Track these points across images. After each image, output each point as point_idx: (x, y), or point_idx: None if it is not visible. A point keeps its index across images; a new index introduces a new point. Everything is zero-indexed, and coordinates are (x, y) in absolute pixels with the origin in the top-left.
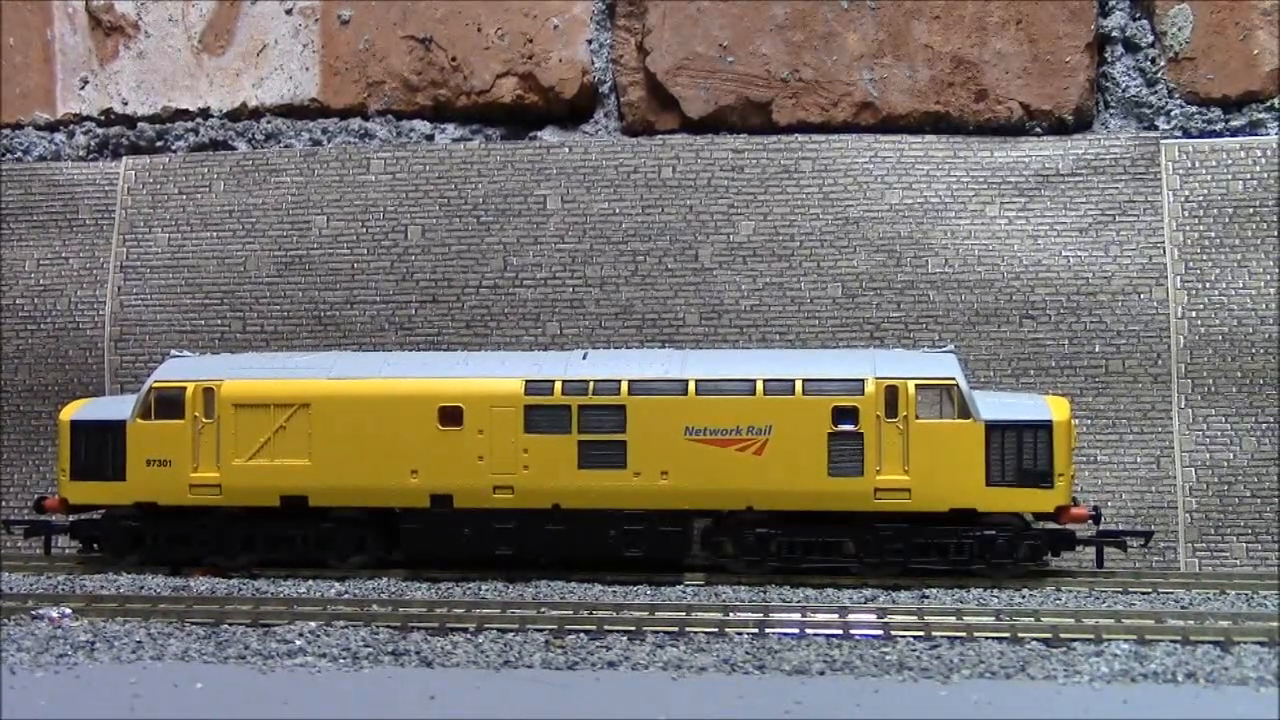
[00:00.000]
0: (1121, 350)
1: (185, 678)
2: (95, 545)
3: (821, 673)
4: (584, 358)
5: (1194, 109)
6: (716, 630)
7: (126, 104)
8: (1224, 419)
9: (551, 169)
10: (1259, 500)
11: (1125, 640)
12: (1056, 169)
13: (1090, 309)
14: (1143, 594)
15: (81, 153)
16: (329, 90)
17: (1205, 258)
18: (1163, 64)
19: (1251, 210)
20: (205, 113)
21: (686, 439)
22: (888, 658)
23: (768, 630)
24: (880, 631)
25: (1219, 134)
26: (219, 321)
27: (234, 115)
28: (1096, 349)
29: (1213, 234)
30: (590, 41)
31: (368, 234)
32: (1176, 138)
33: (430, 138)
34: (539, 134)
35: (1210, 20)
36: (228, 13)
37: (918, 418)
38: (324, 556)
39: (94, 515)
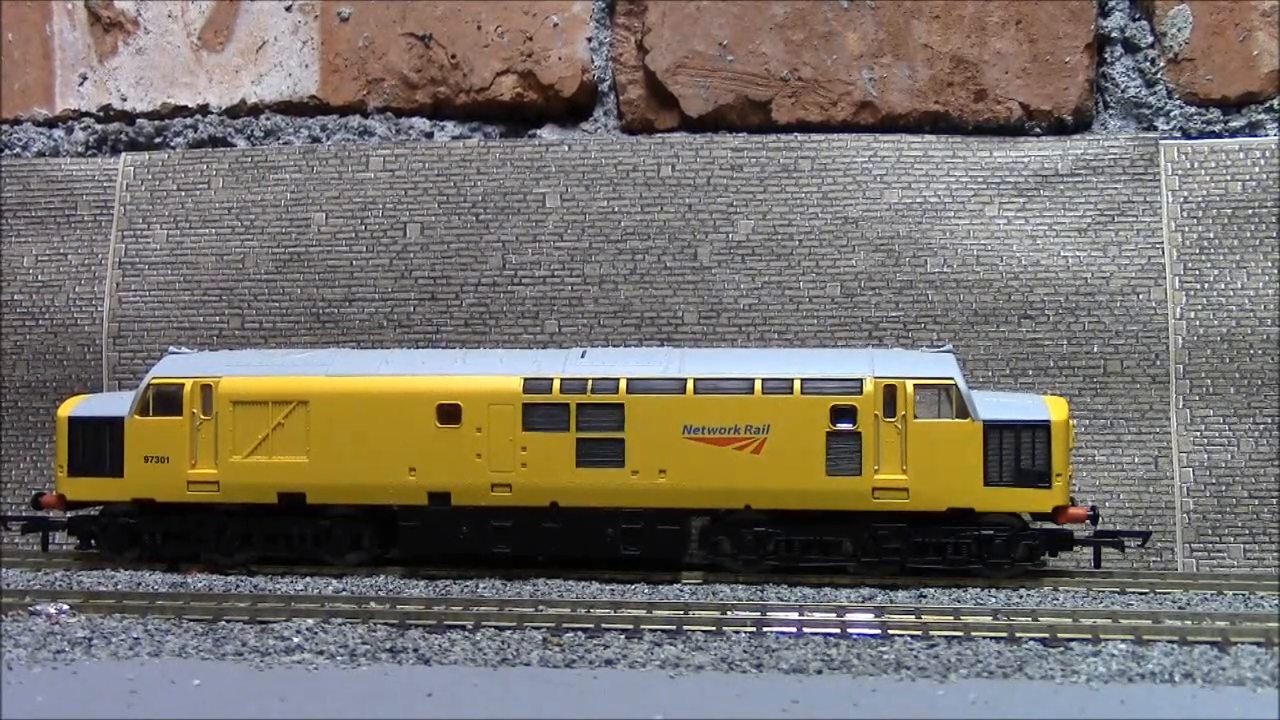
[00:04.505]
0: (1120, 350)
1: (183, 674)
2: (93, 541)
3: (819, 672)
4: (582, 356)
5: (1193, 110)
6: (714, 629)
7: (125, 100)
8: (1222, 420)
9: (551, 167)
10: (1256, 501)
11: (1123, 640)
12: (1055, 169)
13: (1089, 309)
14: (1140, 594)
15: (80, 149)
16: (328, 87)
17: (1204, 258)
18: (1162, 65)
19: (1250, 211)
20: (204, 109)
21: (685, 438)
22: (885, 657)
23: (765, 629)
24: (878, 631)
25: (1218, 135)
26: (217, 318)
27: (233, 112)
28: (1095, 349)
29: (1211, 235)
30: (590, 40)
31: (366, 231)
32: (1175, 138)
33: (429, 135)
34: (538, 132)
35: (1210, 21)
36: (227, 9)
37: (916, 417)
38: (321, 554)
39: (92, 511)
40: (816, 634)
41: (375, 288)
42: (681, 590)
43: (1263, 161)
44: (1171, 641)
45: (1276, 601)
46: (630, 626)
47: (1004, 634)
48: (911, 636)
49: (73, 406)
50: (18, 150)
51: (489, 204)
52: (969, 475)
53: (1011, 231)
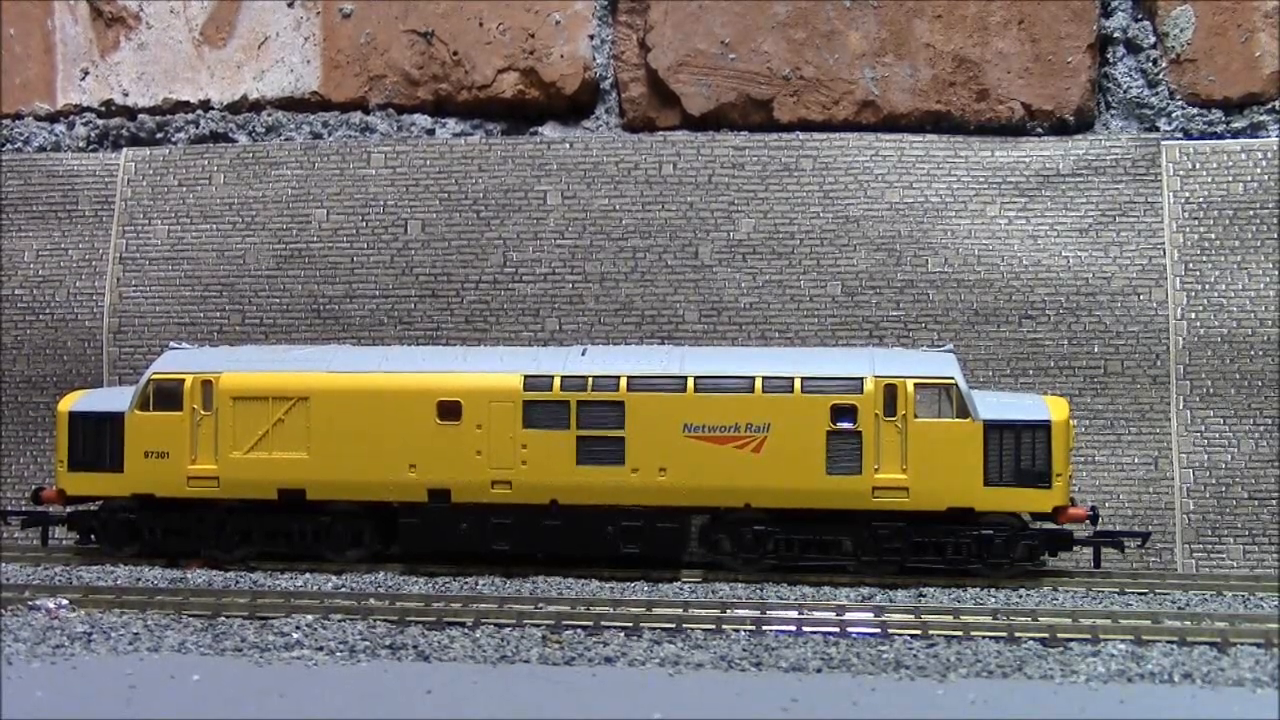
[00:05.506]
0: (1120, 351)
1: (182, 670)
2: (93, 537)
3: (819, 671)
4: (583, 354)
5: (1195, 110)
6: (714, 627)
7: (127, 95)
8: (1222, 420)
9: (552, 164)
10: (1256, 502)
11: (1122, 641)
12: (1057, 169)
13: (1089, 309)
14: (1140, 594)
15: (81, 144)
16: (330, 83)
17: (1205, 259)
18: (1164, 65)
19: (1251, 212)
20: (206, 105)
21: (685, 436)
22: (885, 656)
23: (765, 628)
24: (877, 630)
25: (1220, 135)
26: (218, 314)
27: (234, 108)
28: (1095, 349)
29: (1212, 236)
30: (592, 38)
31: (368, 228)
32: (1177, 139)
33: (431, 132)
34: (540, 129)
35: (1212, 22)
36: (229, 5)
37: (916, 417)
38: (321, 550)
39: (91, 507)
40: (816, 633)
41: (376, 284)
42: (681, 588)
43: (1264, 162)
44: (1171, 642)
45: (1276, 602)
46: (630, 625)
47: (1004, 634)
48: (911, 636)
49: (73, 401)
50: (19, 145)
51: (490, 201)
52: (969, 475)
53: (1013, 231)
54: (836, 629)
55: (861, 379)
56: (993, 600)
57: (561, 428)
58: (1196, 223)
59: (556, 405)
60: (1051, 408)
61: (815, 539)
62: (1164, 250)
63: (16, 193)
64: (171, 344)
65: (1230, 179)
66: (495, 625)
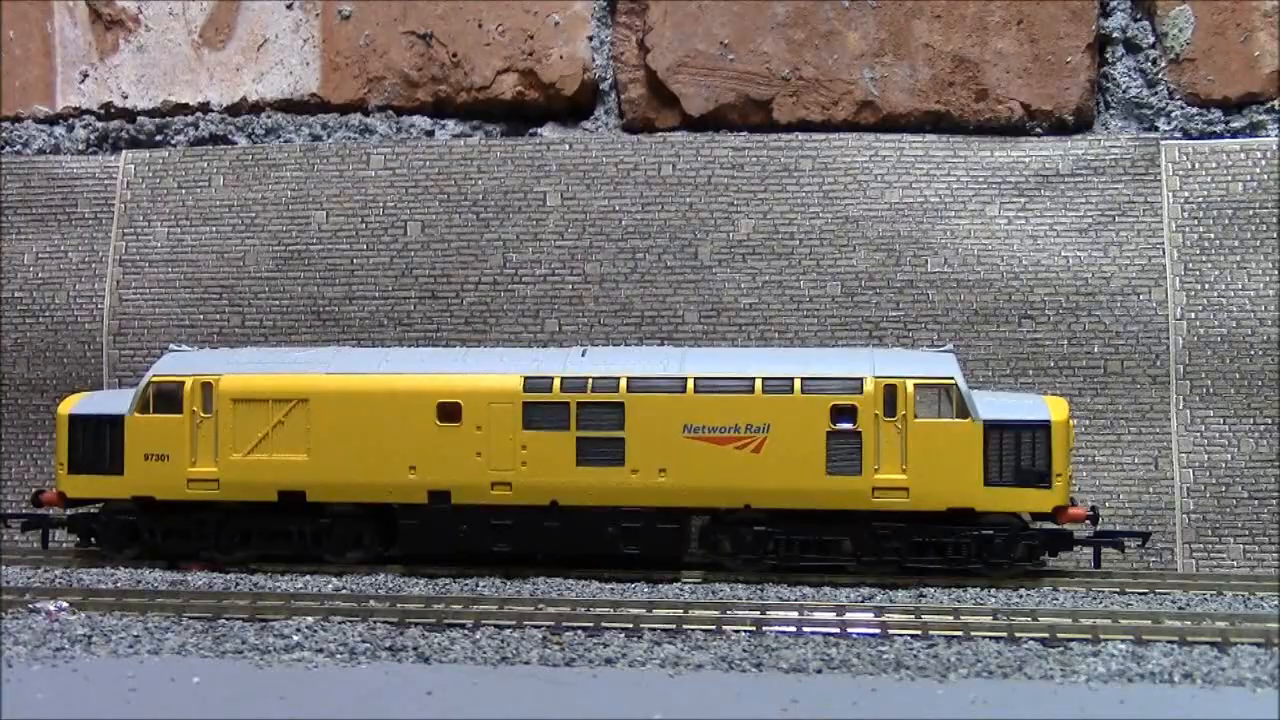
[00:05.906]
0: (1120, 351)
1: (182, 672)
2: (93, 539)
3: (819, 671)
4: (583, 355)
5: (1194, 110)
6: (714, 628)
7: (126, 98)
8: (1222, 420)
9: (551, 165)
10: (1256, 502)
11: (1122, 640)
12: (1056, 169)
13: (1089, 309)
14: (1140, 594)
15: (81, 146)
16: (329, 85)
17: (1204, 259)
18: (1163, 65)
19: (1251, 212)
20: (205, 107)
21: (685, 437)
22: (885, 656)
23: (765, 628)
24: (877, 630)
25: (1219, 135)
26: (218, 316)
27: (234, 110)
28: (1095, 349)
29: (1212, 235)
30: (591, 38)
31: (367, 230)
32: (1176, 139)
33: (430, 134)
34: (539, 130)
35: (1211, 22)
36: (228, 7)
37: (916, 417)
38: (321, 552)
39: (92, 509)
40: (816, 633)
41: (376, 286)
42: (681, 589)
43: (1263, 162)
44: (1171, 642)
45: (1276, 602)
46: (630, 625)
47: (1004, 634)
48: (911, 636)
49: (73, 404)
50: (18, 147)
51: (490, 202)
52: (969, 475)
53: (1012, 231)
54: (836, 629)
55: (861, 379)
56: (993, 600)
57: (561, 429)
58: (1196, 222)
59: (556, 406)
60: (1051, 408)
61: (815, 539)
62: (1163, 250)
63: (16, 195)
64: (171, 346)
65: (1229, 179)
66: (495, 626)
